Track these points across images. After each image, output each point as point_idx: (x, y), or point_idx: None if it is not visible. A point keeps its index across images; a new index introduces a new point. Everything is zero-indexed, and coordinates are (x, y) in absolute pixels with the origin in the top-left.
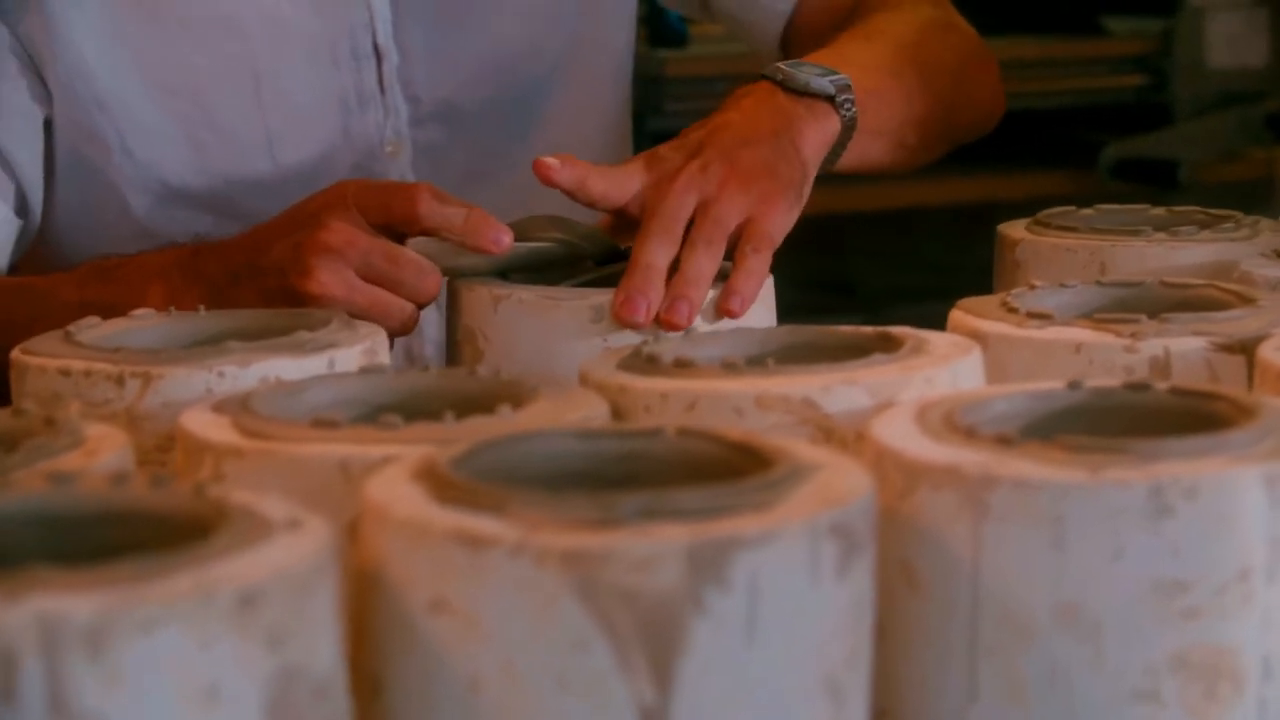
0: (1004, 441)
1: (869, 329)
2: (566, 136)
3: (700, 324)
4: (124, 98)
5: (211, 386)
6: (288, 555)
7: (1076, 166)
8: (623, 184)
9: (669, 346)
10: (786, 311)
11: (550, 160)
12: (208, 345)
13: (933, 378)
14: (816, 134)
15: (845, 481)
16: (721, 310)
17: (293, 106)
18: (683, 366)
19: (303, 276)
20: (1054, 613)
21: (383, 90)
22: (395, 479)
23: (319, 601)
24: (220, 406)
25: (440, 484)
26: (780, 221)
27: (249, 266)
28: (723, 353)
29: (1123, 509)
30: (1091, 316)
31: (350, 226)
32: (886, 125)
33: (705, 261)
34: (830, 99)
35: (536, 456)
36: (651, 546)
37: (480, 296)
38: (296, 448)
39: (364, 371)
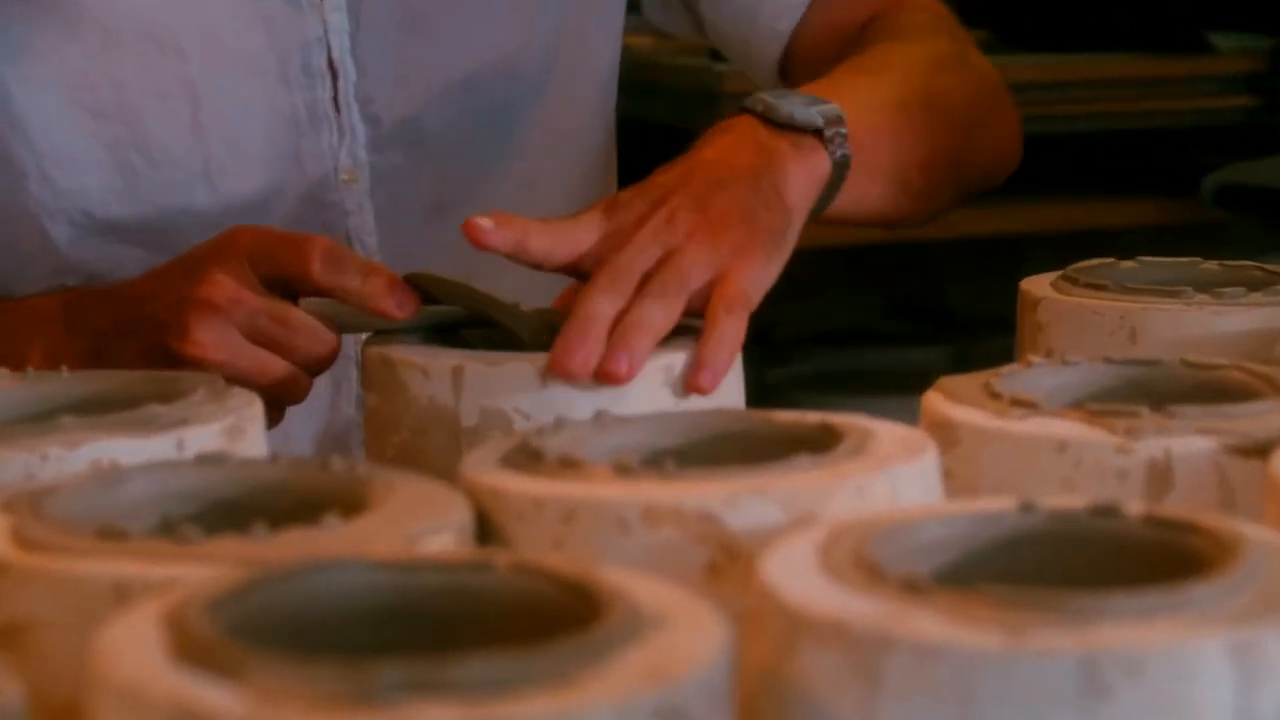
0: (912, 588)
1: (812, 418)
2: (544, 164)
3: (664, 396)
4: (41, 118)
5: (33, 471)
6: None
7: (1177, 193)
8: (572, 238)
9: (564, 437)
10: (875, 340)
11: (481, 221)
12: (38, 420)
13: (865, 487)
14: (803, 174)
15: (689, 644)
16: (689, 387)
17: (235, 128)
18: (568, 466)
19: (180, 337)
20: None
21: (338, 109)
22: (140, 623)
23: None
24: (11, 504)
25: (182, 634)
26: (757, 277)
27: (130, 321)
28: (627, 444)
29: (1046, 686)
30: (1085, 406)
31: (234, 281)
32: (887, 167)
33: (653, 310)
34: (818, 133)
35: (330, 593)
36: None
37: (393, 362)
38: (69, 564)
39: (200, 461)
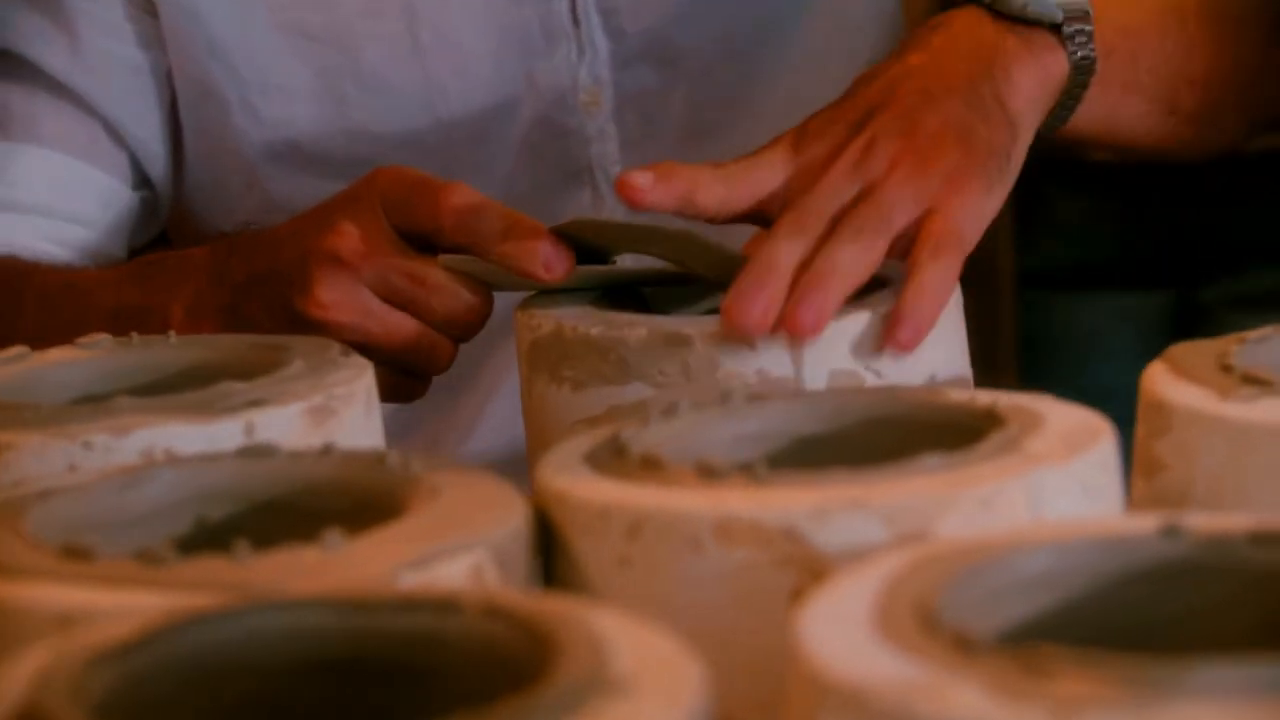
0: (963, 646)
1: (985, 399)
2: (814, 82)
3: (852, 362)
4: (244, 43)
5: (76, 461)
6: None
7: None
8: (750, 181)
9: (671, 426)
10: None
11: (636, 178)
12: (93, 401)
13: (994, 498)
14: (1033, 77)
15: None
16: (887, 341)
17: (458, 48)
18: (650, 467)
19: (303, 294)
20: None
21: (576, 22)
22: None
23: None
24: (3, 509)
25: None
26: (975, 209)
27: (262, 274)
28: (752, 433)
29: None
30: None
31: (362, 233)
32: (1149, 79)
33: (847, 251)
34: (1056, 29)
35: (262, 641)
36: None
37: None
38: (13, 591)
39: (243, 454)
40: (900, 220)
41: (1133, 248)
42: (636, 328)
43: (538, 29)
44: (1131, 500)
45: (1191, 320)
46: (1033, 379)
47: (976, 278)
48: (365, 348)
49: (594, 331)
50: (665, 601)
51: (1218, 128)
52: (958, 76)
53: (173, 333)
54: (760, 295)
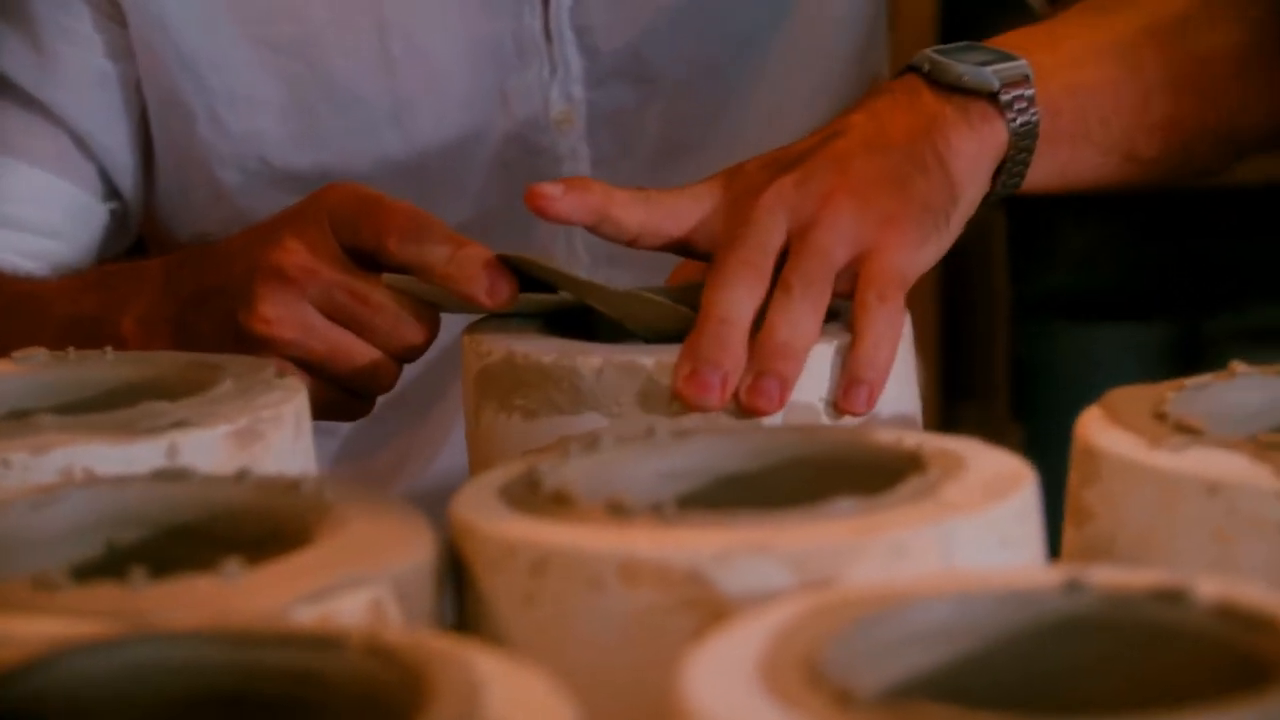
0: (844, 702)
1: (912, 440)
2: (791, 102)
3: (809, 395)
4: (214, 55)
5: None
6: None
7: None
8: (676, 208)
9: (592, 460)
10: None
11: (546, 187)
12: (13, 419)
13: (906, 545)
14: (972, 144)
15: None
16: (843, 408)
17: (429, 62)
18: (561, 503)
19: (247, 309)
20: None
21: (549, 38)
22: None
23: None
24: None
25: None
26: (911, 256)
27: (210, 288)
28: (676, 469)
29: None
30: (1259, 437)
31: (308, 249)
32: (1101, 131)
33: (803, 316)
34: (992, 97)
35: (139, 675)
36: None
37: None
38: None
39: (157, 477)
40: (840, 260)
41: (1137, 278)
42: (591, 356)
43: (510, 44)
44: (1064, 549)
45: (1194, 353)
46: (1033, 407)
47: (971, 307)
48: (308, 365)
49: (547, 360)
50: (569, 641)
51: (1184, 167)
52: (898, 133)
53: (109, 349)
54: (715, 371)
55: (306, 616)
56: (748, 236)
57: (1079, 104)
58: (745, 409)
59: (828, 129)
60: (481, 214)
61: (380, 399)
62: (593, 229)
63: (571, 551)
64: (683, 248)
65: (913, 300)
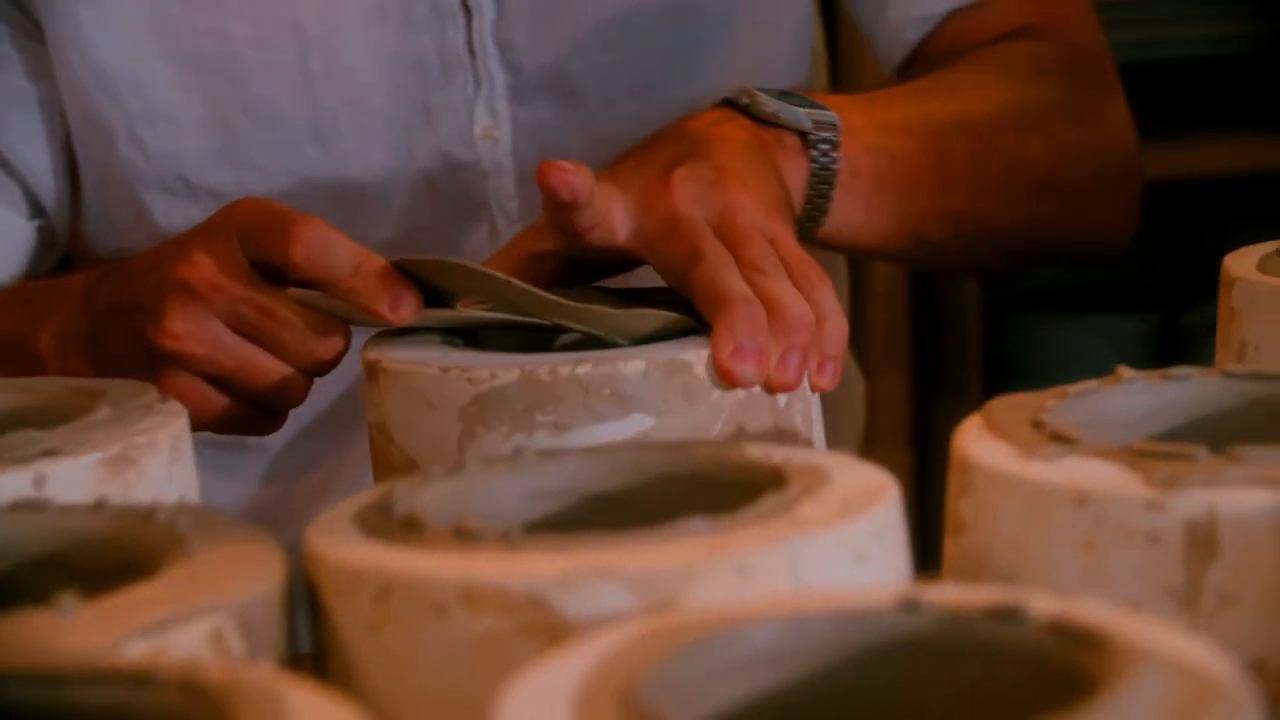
0: None
1: (778, 456)
2: None
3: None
4: (133, 74)
5: None
6: None
7: None
8: (611, 205)
9: (453, 483)
10: None
11: (565, 163)
12: None
13: (751, 565)
14: (787, 168)
15: None
16: (816, 385)
17: (351, 79)
18: (410, 528)
19: (155, 324)
20: None
21: (473, 54)
22: None
23: None
24: None
25: None
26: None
27: (122, 303)
28: (540, 489)
29: None
30: (1132, 445)
31: (215, 263)
32: (895, 204)
33: (788, 289)
34: (803, 136)
35: None
36: None
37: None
38: None
39: (15, 508)
40: (768, 244)
41: (1116, 271)
42: (632, 360)
43: (434, 60)
44: (943, 562)
45: (1173, 344)
46: None
47: (943, 302)
48: (218, 380)
49: (581, 370)
50: (415, 667)
51: (968, 262)
52: (735, 137)
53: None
54: (752, 345)
55: (140, 650)
56: (694, 229)
57: (878, 167)
58: (774, 386)
59: (665, 132)
60: (407, 230)
61: (310, 417)
62: (573, 211)
63: (414, 578)
64: (617, 248)
65: (884, 296)
